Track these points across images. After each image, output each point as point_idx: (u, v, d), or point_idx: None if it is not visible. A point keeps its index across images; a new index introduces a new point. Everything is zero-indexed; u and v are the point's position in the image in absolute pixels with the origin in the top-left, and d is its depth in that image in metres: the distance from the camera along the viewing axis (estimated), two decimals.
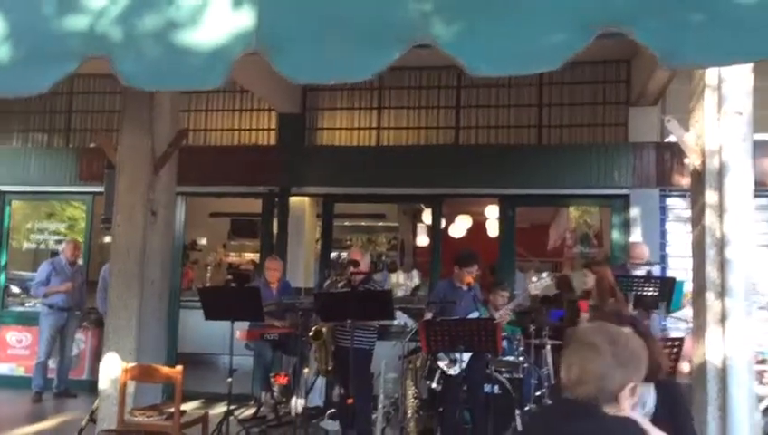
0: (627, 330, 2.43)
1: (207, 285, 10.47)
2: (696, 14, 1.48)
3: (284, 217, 8.39)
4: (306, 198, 8.70)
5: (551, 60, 1.59)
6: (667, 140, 7.46)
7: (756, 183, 7.19)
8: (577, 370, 1.85)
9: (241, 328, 6.49)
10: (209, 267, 11.56)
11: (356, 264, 5.97)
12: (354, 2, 1.60)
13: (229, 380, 5.63)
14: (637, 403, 2.54)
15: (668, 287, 6.28)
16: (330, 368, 5.97)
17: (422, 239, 11.98)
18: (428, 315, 5.89)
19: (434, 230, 8.70)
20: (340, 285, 6.06)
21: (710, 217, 4.57)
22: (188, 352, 8.48)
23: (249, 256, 12.04)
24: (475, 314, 5.94)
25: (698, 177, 4.75)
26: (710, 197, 4.59)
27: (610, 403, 1.85)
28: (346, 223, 11.55)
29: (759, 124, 7.54)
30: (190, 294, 8.67)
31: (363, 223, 12.07)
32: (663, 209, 7.66)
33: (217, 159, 8.46)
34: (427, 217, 10.22)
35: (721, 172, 4.51)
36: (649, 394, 2.54)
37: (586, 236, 10.41)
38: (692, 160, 4.77)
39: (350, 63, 1.61)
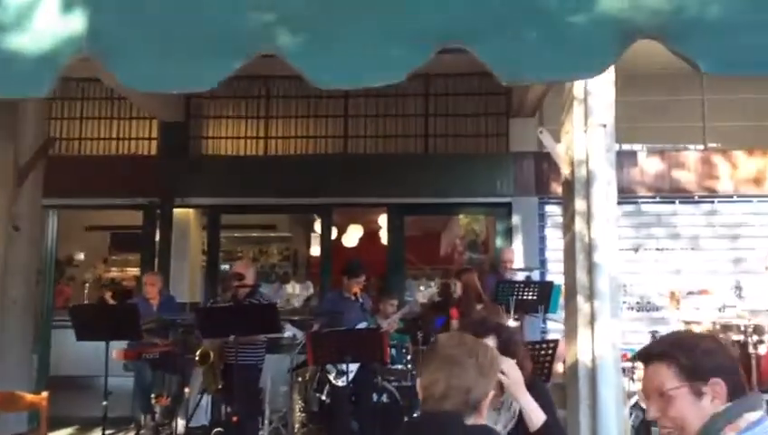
0: (488, 340, 2.50)
1: (85, 302, 9.88)
2: (532, 32, 1.53)
3: (167, 230, 8.07)
4: (191, 210, 8.41)
5: (394, 73, 1.60)
6: (545, 150, 7.81)
7: (624, 190, 7.75)
8: (443, 385, 1.86)
9: (118, 347, 6.16)
10: (87, 284, 10.91)
11: (240, 277, 5.81)
12: (194, 10, 1.54)
13: (104, 403, 5.32)
14: (503, 406, 2.62)
15: (546, 291, 6.55)
16: (220, 387, 5.76)
17: (316, 249, 11.89)
18: (315, 327, 5.83)
19: (324, 240, 8.65)
20: (225, 297, 5.88)
21: (579, 224, 4.78)
22: (64, 374, 7.95)
23: (132, 271, 11.48)
24: (363, 325, 5.94)
25: (569, 185, 4.98)
26: (579, 204, 4.81)
27: (473, 414, 1.88)
28: (236, 234, 11.28)
29: (626, 135, 8.12)
30: (66, 312, 8.13)
31: (254, 234, 11.83)
32: (542, 216, 8.00)
33: (93, 169, 8.02)
34: (319, 226, 10.17)
35: (588, 181, 4.73)
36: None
37: (474, 243, 10.73)
38: (563, 170, 5.00)
39: (190, 73, 1.55)
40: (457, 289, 7.11)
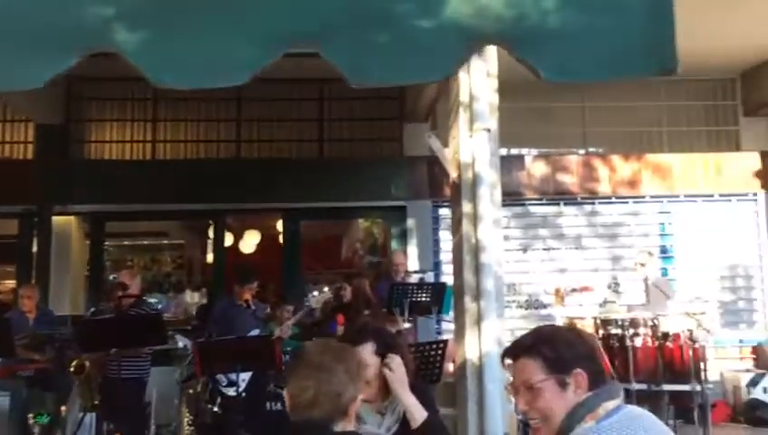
0: (366, 346, 2.51)
1: None
2: (381, 36, 1.54)
3: (46, 239, 7.59)
4: (72, 218, 7.95)
5: (237, 74, 1.56)
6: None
7: (512, 193, 8.03)
8: (312, 392, 1.85)
9: None
10: None
11: (125, 287, 5.55)
12: (29, 7, 1.44)
13: None
14: (387, 410, 2.62)
15: (439, 292, 6.66)
16: (96, 402, 5.45)
17: (211, 256, 11.56)
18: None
19: (217, 246, 8.43)
20: (108, 308, 5.59)
21: (466, 226, 4.91)
22: None
23: (8, 283, 10.71)
24: (255, 332, 5.82)
25: (456, 189, 5.10)
26: (466, 207, 4.93)
27: (343, 419, 1.87)
28: (126, 242, 10.77)
29: (513, 140, 8.43)
30: None
31: (145, 242, 11.33)
32: (436, 219, 8.15)
33: None
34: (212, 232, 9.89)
35: (474, 184, 4.86)
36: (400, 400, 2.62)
37: (374, 247, 10.79)
38: (450, 174, 5.11)
39: (23, 71, 1.44)
40: (347, 294, 7.12)
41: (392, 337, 2.80)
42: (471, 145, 4.87)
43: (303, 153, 8.21)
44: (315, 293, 6.53)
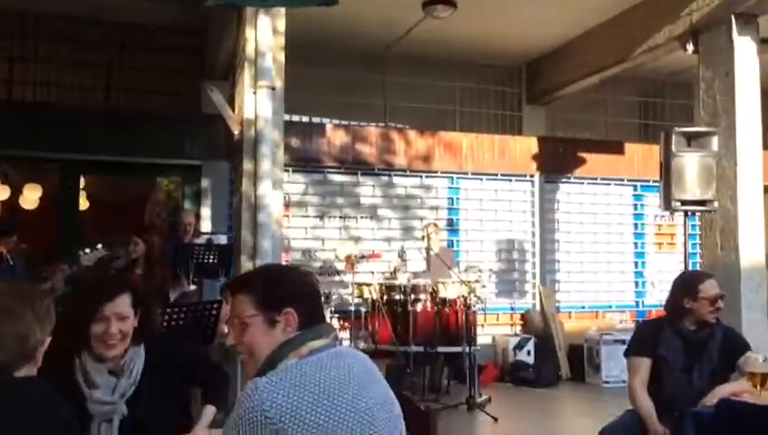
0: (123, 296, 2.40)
1: None
2: None
3: None
4: None
5: None
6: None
7: (312, 160, 8.07)
8: None
9: None
10: None
11: None
12: None
13: None
14: (123, 372, 2.48)
15: (227, 255, 6.52)
16: None
17: None
18: None
19: None
20: None
21: (246, 184, 4.85)
22: None
23: None
24: None
25: (238, 146, 5.01)
26: (247, 165, 4.87)
27: (27, 363, 1.77)
28: None
29: (315, 108, 8.46)
30: None
31: None
32: (233, 181, 7.94)
33: None
34: None
35: (256, 143, 4.81)
36: (139, 357, 2.50)
37: (176, 207, 10.32)
38: (234, 131, 5.00)
39: None
40: (138, 250, 6.75)
41: (144, 293, 2.71)
42: (254, 103, 4.81)
43: (87, 101, 7.56)
44: (87, 250, 6.07)
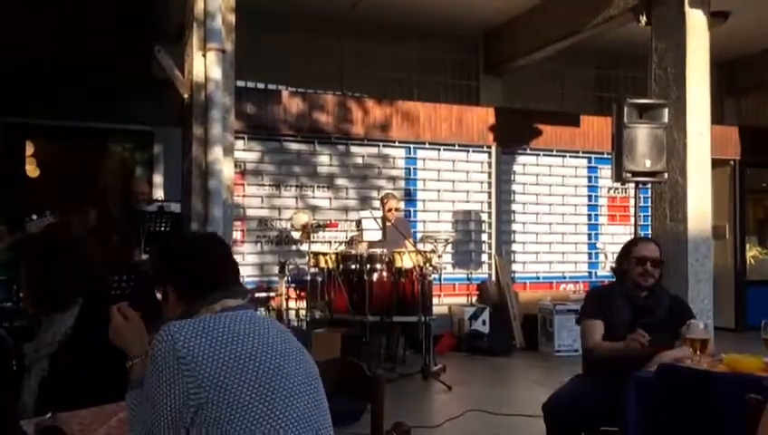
0: None
1: None
2: None
3: None
4: None
5: None
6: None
7: (268, 128, 7.92)
8: None
9: None
10: None
11: None
12: None
13: None
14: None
15: (180, 223, 6.40)
16: None
17: None
18: None
19: None
20: None
21: (196, 150, 4.73)
22: None
23: None
24: None
25: (188, 110, 4.87)
26: (197, 130, 4.74)
27: None
28: None
29: (270, 75, 8.28)
30: None
31: None
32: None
33: None
34: None
35: (206, 107, 4.68)
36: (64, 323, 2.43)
37: (129, 175, 10.07)
38: (183, 94, 4.85)
39: None
40: (91, 220, 6.57)
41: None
42: (204, 66, 4.67)
43: (33, 64, 7.24)
44: (35, 216, 5.85)
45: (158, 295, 1.84)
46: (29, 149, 8.03)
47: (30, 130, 7.29)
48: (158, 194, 7.51)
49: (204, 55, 4.58)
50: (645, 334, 2.97)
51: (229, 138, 4.79)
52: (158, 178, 7.64)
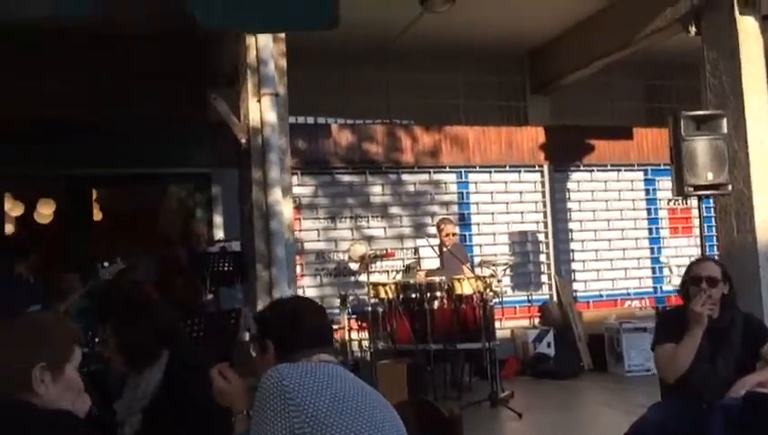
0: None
1: None
2: None
3: None
4: None
5: None
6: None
7: (319, 162, 8.04)
8: None
9: None
10: None
11: None
12: None
13: None
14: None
15: (243, 262, 6.54)
16: None
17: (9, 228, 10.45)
18: None
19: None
20: None
21: (256, 193, 4.84)
22: None
23: None
24: (36, 308, 5.33)
25: (246, 154, 5.01)
26: (256, 173, 4.87)
27: (23, 393, 1.63)
28: None
29: (319, 109, 8.44)
30: None
31: None
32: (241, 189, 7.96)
33: None
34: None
35: (264, 150, 4.81)
36: (154, 377, 2.50)
37: (188, 216, 10.36)
38: (240, 139, 4.99)
39: None
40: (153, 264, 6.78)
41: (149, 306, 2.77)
42: (259, 110, 4.81)
43: (90, 114, 7.50)
44: (105, 264, 6.07)
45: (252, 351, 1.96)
46: (95, 196, 8.35)
47: (95, 179, 7.58)
48: (218, 234, 7.68)
49: (259, 101, 4.71)
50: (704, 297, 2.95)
51: (287, 178, 4.90)
52: (217, 219, 7.82)
